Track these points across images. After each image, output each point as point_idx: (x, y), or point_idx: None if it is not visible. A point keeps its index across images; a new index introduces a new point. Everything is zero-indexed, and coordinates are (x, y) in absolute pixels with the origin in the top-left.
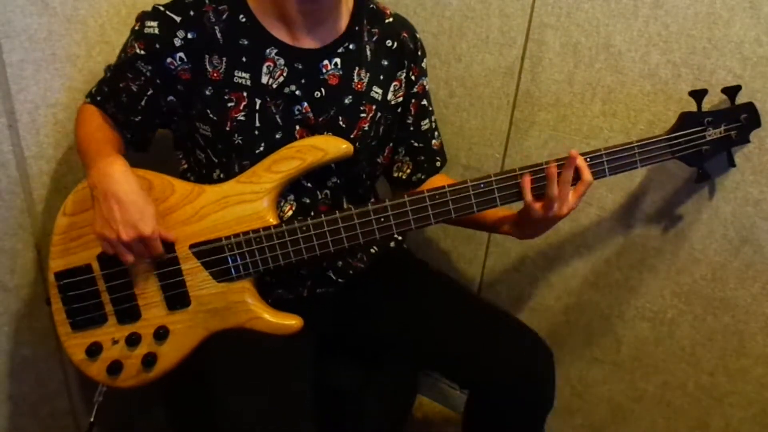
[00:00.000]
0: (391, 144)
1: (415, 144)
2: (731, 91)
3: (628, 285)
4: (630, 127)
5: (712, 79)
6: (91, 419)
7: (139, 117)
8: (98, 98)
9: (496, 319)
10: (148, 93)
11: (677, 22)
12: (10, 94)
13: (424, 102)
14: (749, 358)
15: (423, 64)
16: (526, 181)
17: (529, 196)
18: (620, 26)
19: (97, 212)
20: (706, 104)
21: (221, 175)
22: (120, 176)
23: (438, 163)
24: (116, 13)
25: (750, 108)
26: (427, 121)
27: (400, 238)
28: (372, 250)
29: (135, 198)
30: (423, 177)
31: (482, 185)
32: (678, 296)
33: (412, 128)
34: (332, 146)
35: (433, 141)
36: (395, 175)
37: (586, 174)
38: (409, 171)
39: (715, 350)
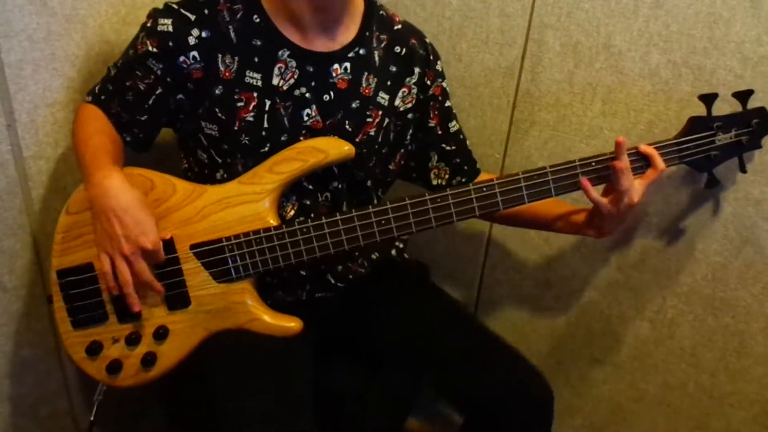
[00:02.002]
0: (402, 150)
1: (447, 147)
2: (743, 96)
3: (628, 285)
4: (630, 127)
5: (713, 79)
6: (91, 418)
7: (146, 116)
8: (102, 97)
9: (496, 347)
10: (157, 92)
11: (677, 22)
12: (9, 94)
13: (448, 104)
14: (750, 358)
15: (438, 67)
16: (586, 182)
17: (593, 194)
18: (620, 26)
19: (97, 227)
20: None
21: (224, 176)
22: (117, 190)
23: (477, 164)
24: (115, 12)
25: (762, 113)
26: (454, 122)
27: (401, 245)
28: (373, 256)
29: (134, 212)
30: (464, 180)
31: (484, 189)
32: (678, 296)
33: (440, 131)
34: (333, 148)
35: (467, 142)
36: (434, 183)
37: (659, 162)
38: (447, 176)
39: (715, 350)
